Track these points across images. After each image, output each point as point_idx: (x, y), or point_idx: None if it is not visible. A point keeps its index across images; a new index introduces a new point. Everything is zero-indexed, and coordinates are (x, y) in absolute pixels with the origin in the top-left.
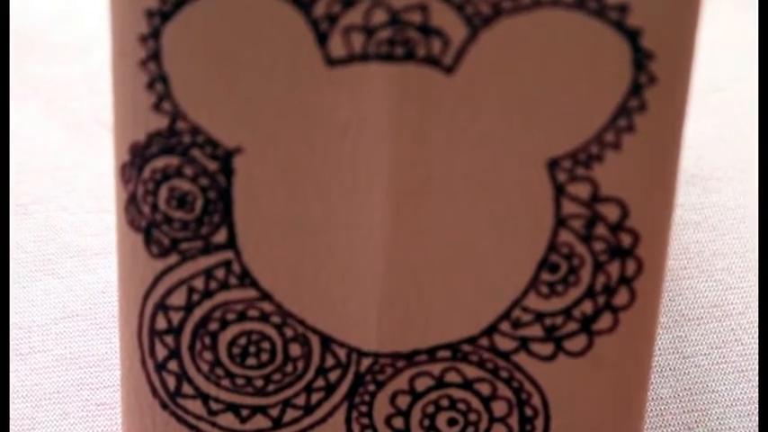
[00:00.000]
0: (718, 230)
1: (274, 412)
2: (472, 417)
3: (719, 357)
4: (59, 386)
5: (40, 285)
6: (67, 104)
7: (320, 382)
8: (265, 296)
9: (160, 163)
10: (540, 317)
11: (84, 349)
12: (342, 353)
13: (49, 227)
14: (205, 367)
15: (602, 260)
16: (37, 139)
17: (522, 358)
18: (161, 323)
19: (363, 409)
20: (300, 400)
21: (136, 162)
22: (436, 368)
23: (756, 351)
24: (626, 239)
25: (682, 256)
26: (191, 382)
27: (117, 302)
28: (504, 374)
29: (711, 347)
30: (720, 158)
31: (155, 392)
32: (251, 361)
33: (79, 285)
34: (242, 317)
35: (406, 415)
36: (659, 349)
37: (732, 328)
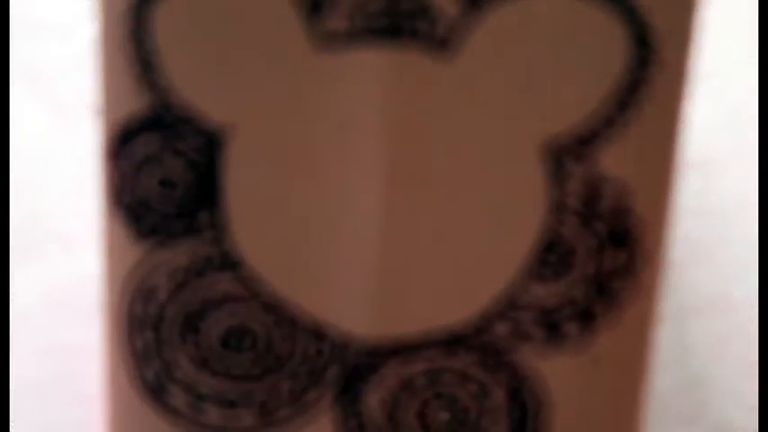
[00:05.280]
0: (720, 218)
1: (260, 399)
2: (466, 405)
3: (721, 349)
4: (38, 377)
5: (21, 272)
6: (50, 86)
7: (308, 368)
8: (252, 279)
9: (145, 141)
10: (536, 303)
11: (65, 339)
12: (332, 338)
13: (30, 212)
14: (189, 353)
15: (601, 245)
16: (19, 121)
17: (517, 345)
18: (143, 308)
19: (352, 395)
20: (287, 387)
21: (120, 141)
22: (429, 355)
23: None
24: (625, 223)
25: (683, 244)
26: (173, 369)
27: (99, 289)
28: (499, 362)
29: (714, 339)
30: (723, 144)
31: (136, 382)
32: (236, 346)
33: (61, 272)
34: (227, 300)
35: (396, 402)
36: (660, 340)
37: (735, 319)
